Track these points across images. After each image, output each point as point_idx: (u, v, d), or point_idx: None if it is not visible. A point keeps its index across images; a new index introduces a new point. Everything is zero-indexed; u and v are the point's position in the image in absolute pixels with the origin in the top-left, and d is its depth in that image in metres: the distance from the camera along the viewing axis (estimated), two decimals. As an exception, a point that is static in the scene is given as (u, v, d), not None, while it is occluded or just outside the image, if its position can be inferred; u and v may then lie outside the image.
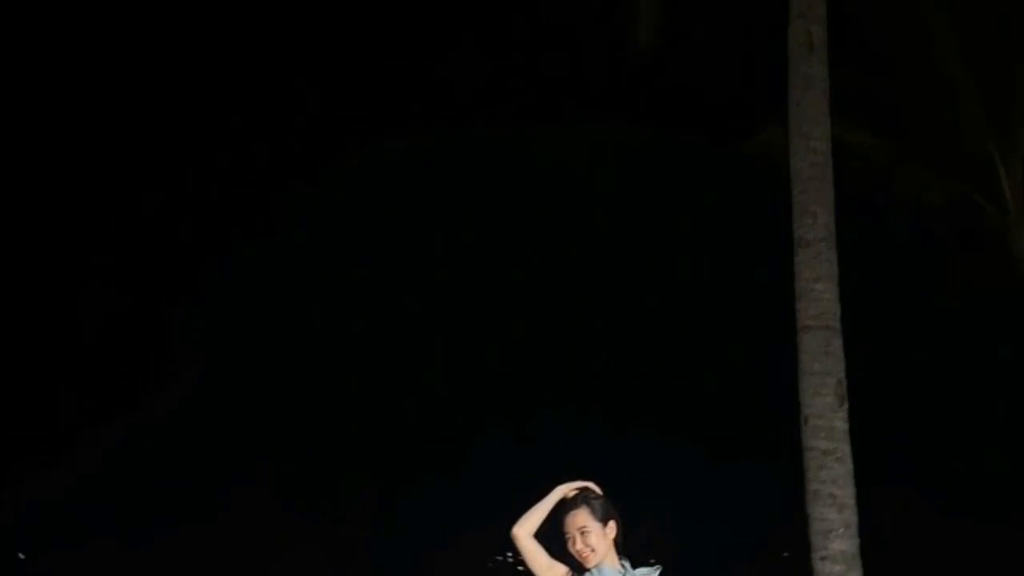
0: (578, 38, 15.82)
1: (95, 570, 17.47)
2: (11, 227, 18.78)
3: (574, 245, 19.03)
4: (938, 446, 17.11)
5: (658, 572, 4.67)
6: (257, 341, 19.69)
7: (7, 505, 18.36)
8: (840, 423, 9.39)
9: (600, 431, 17.90)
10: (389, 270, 19.49)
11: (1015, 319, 14.89)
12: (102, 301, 19.87)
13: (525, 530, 4.63)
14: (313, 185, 19.32)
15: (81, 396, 19.38)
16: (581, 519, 4.62)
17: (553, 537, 4.67)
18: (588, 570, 4.61)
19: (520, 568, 4.80)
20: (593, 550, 4.59)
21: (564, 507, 4.67)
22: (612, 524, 4.65)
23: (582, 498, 4.67)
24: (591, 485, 4.75)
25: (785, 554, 16.97)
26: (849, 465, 9.34)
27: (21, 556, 19.06)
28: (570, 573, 4.62)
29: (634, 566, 4.69)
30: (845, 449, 9.34)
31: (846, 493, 9.29)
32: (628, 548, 4.73)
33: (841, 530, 9.21)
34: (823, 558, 9.23)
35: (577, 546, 4.60)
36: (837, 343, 9.57)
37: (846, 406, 9.44)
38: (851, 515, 9.28)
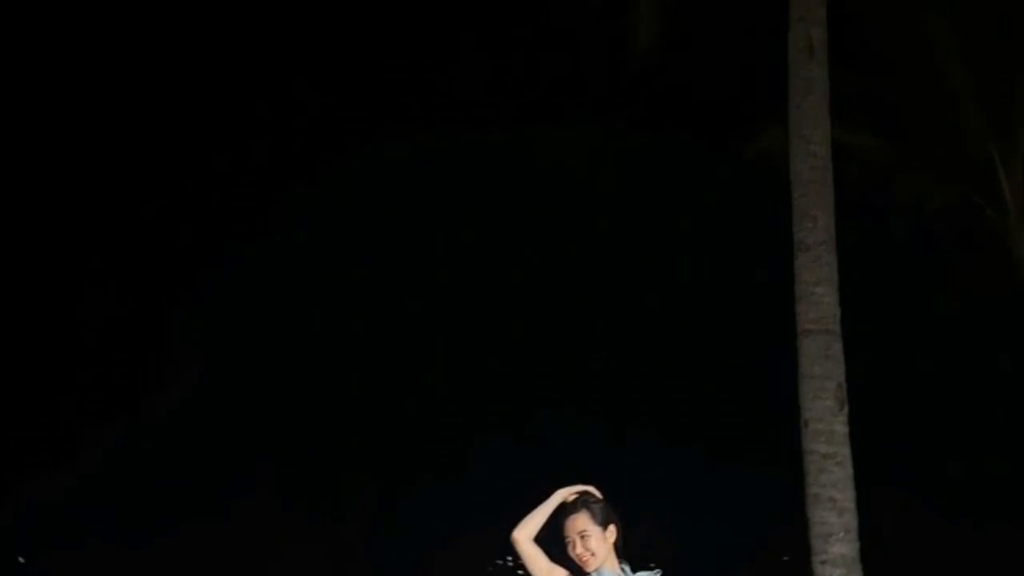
0: (578, 40, 15.82)
1: (95, 572, 17.48)
2: (11, 229, 18.78)
3: (574, 247, 19.03)
4: (938, 450, 17.11)
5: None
6: (257, 342, 19.69)
7: (7, 508, 18.36)
8: (840, 427, 9.39)
9: (600, 434, 17.90)
10: (389, 271, 19.49)
11: (1015, 322, 14.88)
12: (102, 302, 19.87)
13: (525, 534, 4.63)
14: (313, 186, 19.32)
15: (81, 397, 19.38)
16: (581, 523, 4.61)
17: (553, 541, 4.67)
18: (588, 574, 4.61)
19: (520, 572, 4.80)
20: (593, 554, 4.59)
21: (564, 511, 4.66)
22: (612, 528, 4.65)
23: (582, 502, 4.67)
24: (591, 489, 4.74)
25: (785, 558, 16.98)
26: (849, 469, 9.35)
27: (21, 560, 19.06)
28: (570, 577, 4.62)
29: (634, 570, 4.68)
30: (845, 453, 9.35)
31: (846, 497, 9.29)
32: (628, 552, 4.73)
33: (841, 534, 9.21)
34: (823, 562, 9.24)
35: (577, 550, 4.60)
36: (837, 347, 9.57)
37: (846, 410, 9.44)
38: (851, 519, 9.29)
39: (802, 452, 9.43)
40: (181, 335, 20.04)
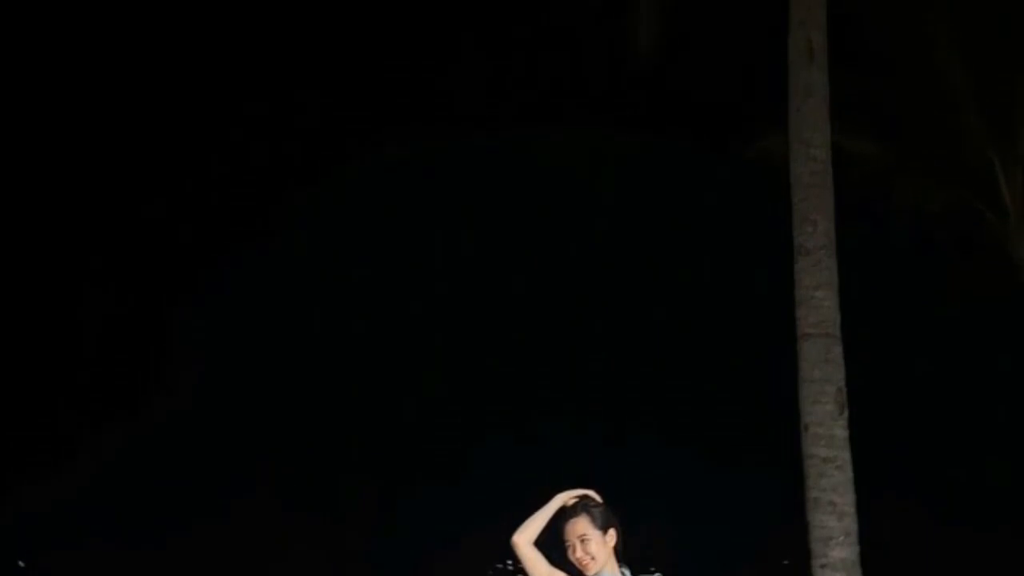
0: (578, 40, 15.80)
1: (96, 575, 17.47)
2: (12, 231, 18.77)
3: (575, 250, 19.03)
4: (938, 454, 17.11)
5: (658, 580, 4.67)
6: (257, 344, 19.69)
7: (7, 511, 18.34)
8: (840, 431, 9.38)
9: (601, 438, 17.90)
10: (389, 272, 19.49)
11: (1015, 326, 14.87)
12: (102, 303, 19.87)
13: (525, 538, 4.63)
14: (313, 187, 19.33)
15: (81, 401, 19.37)
16: (581, 527, 4.61)
17: (553, 545, 4.66)
18: (588, 578, 4.60)
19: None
20: (593, 558, 4.58)
21: (564, 515, 4.66)
22: (612, 532, 4.65)
23: (582, 506, 4.66)
24: (591, 493, 4.74)
25: (785, 561, 16.98)
26: (849, 473, 9.34)
27: (21, 564, 19.04)
28: (570, 581, 4.62)
29: (634, 574, 4.68)
30: (845, 457, 9.34)
31: (846, 501, 9.28)
32: (628, 555, 4.73)
33: (841, 538, 9.20)
34: (823, 565, 9.23)
35: (577, 554, 4.60)
36: (837, 350, 9.56)
37: (846, 414, 9.43)
38: (851, 523, 9.28)
39: (802, 456, 9.42)
40: (181, 336, 20.03)
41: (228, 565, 18.02)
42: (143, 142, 19.04)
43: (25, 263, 18.92)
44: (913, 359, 17.37)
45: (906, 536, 16.49)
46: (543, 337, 19.27)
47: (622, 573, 4.66)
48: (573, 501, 4.69)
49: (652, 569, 4.77)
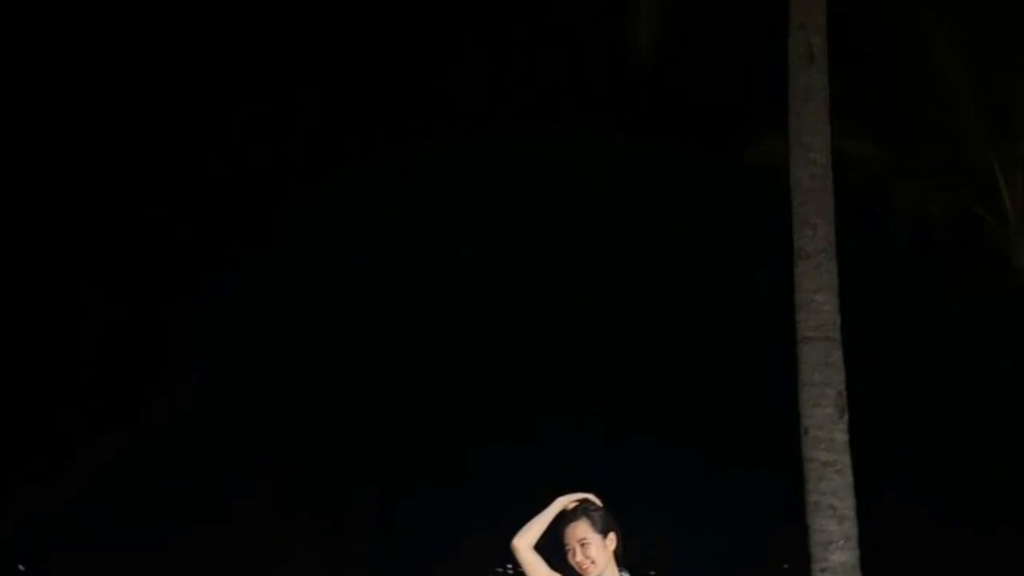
0: (578, 40, 15.79)
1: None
2: (12, 234, 18.77)
3: (574, 253, 19.03)
4: (938, 457, 17.10)
5: (658, 584, 4.66)
6: (257, 346, 19.69)
7: (7, 516, 18.33)
8: (840, 434, 9.36)
9: (601, 441, 17.90)
10: (389, 273, 19.49)
11: (1015, 329, 14.86)
12: (102, 307, 19.86)
13: (525, 541, 4.62)
14: (313, 188, 19.32)
15: (81, 406, 19.36)
16: (581, 531, 4.60)
17: (553, 549, 4.65)
18: (588, 582, 4.59)
19: (520, 580, 4.79)
20: (593, 562, 4.58)
21: (564, 519, 4.65)
22: (612, 536, 4.64)
23: (582, 510, 4.66)
24: (591, 497, 4.74)
25: (785, 566, 16.97)
26: (849, 477, 9.32)
27: (21, 568, 19.02)
28: (570, 585, 4.61)
29: (634, 578, 4.68)
30: (845, 460, 9.32)
31: (846, 505, 9.26)
32: (628, 559, 4.72)
33: (841, 542, 9.18)
34: (823, 569, 9.21)
35: (577, 558, 4.59)
36: (837, 354, 9.55)
37: (846, 417, 9.42)
38: (851, 527, 9.26)
39: (802, 459, 9.40)
40: (180, 338, 20.03)
41: (228, 567, 18.01)
42: (143, 144, 19.04)
43: (25, 265, 18.92)
44: (913, 362, 17.37)
45: (906, 540, 16.47)
46: (543, 339, 19.27)
47: (621, 577, 4.65)
48: (573, 505, 4.68)
49: (652, 573, 4.76)
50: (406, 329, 19.73)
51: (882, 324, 15.98)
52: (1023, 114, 13.90)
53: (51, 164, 18.97)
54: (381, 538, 19.76)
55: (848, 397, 9.50)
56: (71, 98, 18.64)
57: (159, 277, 19.67)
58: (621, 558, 4.68)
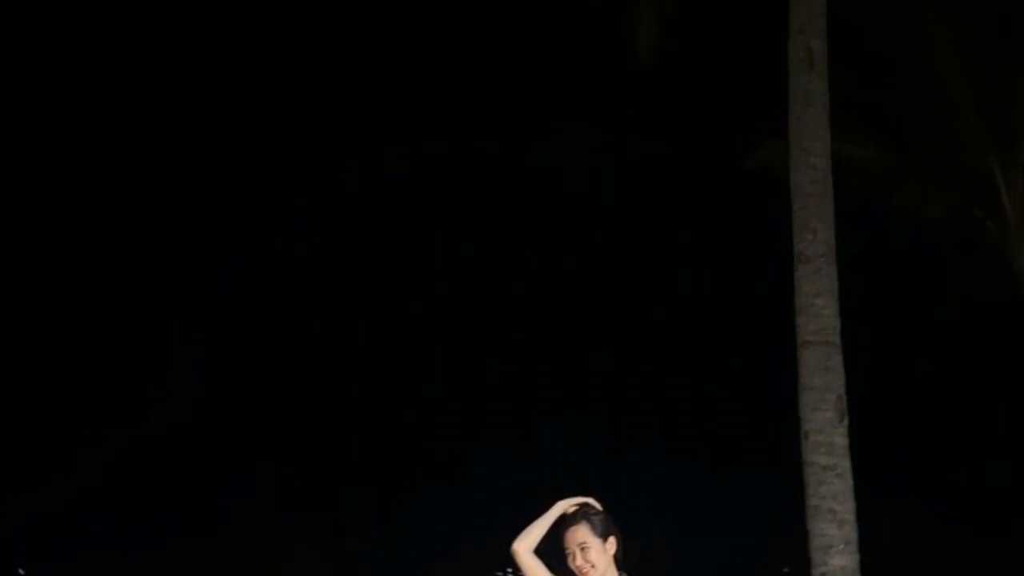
0: (578, 40, 15.80)
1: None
2: (12, 237, 18.78)
3: (574, 254, 19.03)
4: (938, 461, 17.10)
5: (658, 588, 4.66)
6: (257, 347, 19.69)
7: (7, 519, 18.33)
8: (840, 438, 9.37)
9: (601, 445, 17.90)
10: (388, 274, 19.49)
11: (1015, 332, 14.87)
12: (102, 310, 19.87)
13: (525, 545, 4.62)
14: (313, 190, 19.33)
15: (81, 409, 19.36)
16: (581, 535, 4.60)
17: (553, 553, 4.66)
18: (588, 586, 4.59)
19: (520, 583, 4.79)
20: (593, 566, 4.57)
21: (564, 523, 4.65)
22: (612, 540, 4.64)
23: (582, 514, 4.65)
24: (591, 501, 4.73)
25: (785, 570, 16.97)
26: (849, 480, 9.33)
27: (21, 572, 19.01)
28: (570, 589, 4.61)
29: (634, 582, 4.68)
30: (845, 464, 9.33)
31: (846, 508, 9.27)
32: (628, 563, 4.72)
33: (841, 546, 9.19)
34: (823, 574, 9.22)
35: (577, 562, 4.59)
36: (837, 358, 9.56)
37: (846, 421, 9.43)
38: (851, 531, 9.27)
39: (802, 464, 9.41)
40: (181, 340, 20.04)
41: (228, 567, 18.01)
42: (142, 144, 19.05)
43: (26, 265, 18.92)
44: (913, 365, 17.37)
45: (906, 544, 16.46)
46: (543, 340, 19.27)
47: (621, 581, 4.65)
48: (573, 509, 4.68)
49: (651, 576, 4.76)
50: (406, 330, 19.74)
51: (882, 328, 15.98)
52: (1023, 116, 13.91)
53: (51, 165, 18.98)
54: (381, 539, 19.76)
55: (848, 401, 9.50)
56: (71, 98, 18.66)
57: (159, 278, 19.67)
58: (621, 562, 4.68)
